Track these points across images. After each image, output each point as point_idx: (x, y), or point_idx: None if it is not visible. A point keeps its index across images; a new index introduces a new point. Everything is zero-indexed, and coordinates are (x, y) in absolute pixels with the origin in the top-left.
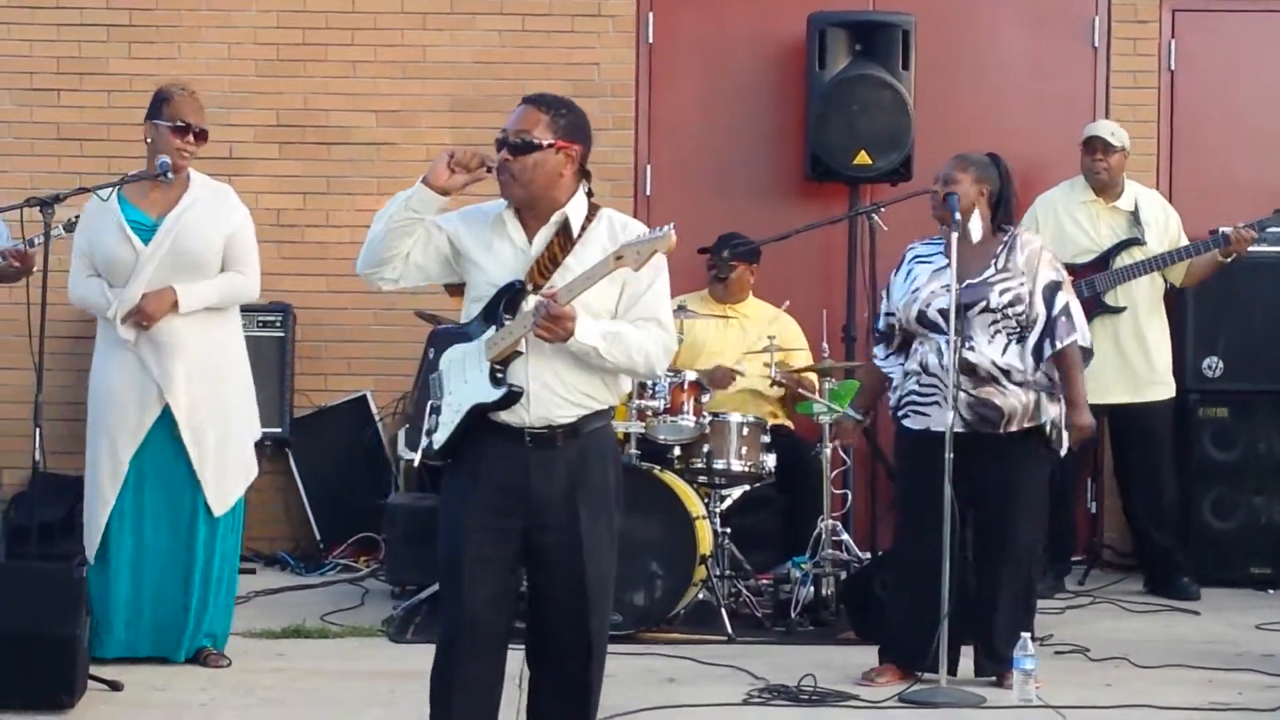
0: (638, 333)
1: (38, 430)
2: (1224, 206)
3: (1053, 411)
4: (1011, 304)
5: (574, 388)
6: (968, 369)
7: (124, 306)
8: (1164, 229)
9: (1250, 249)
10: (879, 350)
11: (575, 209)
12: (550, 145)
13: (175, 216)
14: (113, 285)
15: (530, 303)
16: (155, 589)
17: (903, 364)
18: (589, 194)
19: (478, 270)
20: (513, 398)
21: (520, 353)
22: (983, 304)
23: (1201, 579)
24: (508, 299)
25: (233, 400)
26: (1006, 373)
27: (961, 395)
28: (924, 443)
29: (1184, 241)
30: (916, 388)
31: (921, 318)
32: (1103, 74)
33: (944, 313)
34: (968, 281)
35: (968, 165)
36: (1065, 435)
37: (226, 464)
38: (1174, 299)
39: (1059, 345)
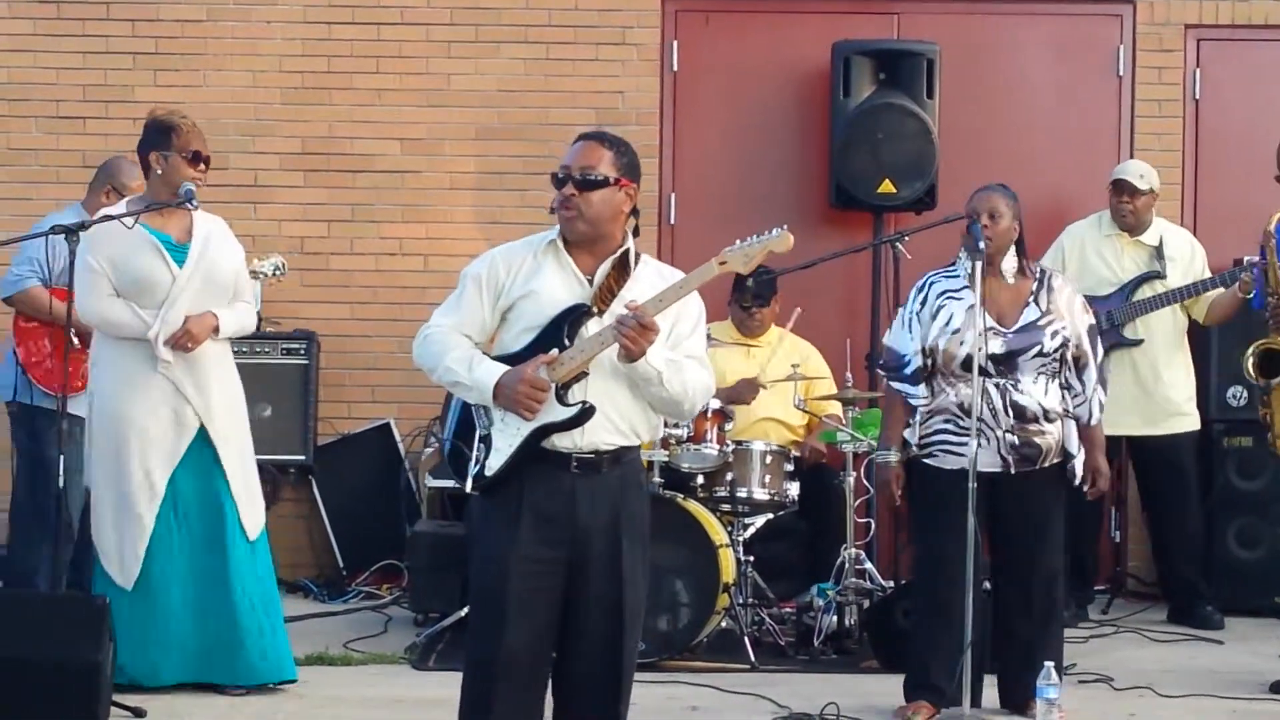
0: (693, 369)
1: (61, 457)
2: (1248, 235)
3: (1074, 444)
4: (1061, 346)
5: (625, 415)
6: (1017, 411)
7: (169, 328)
8: (1189, 264)
9: None
10: (921, 390)
11: (631, 246)
12: (616, 181)
13: (203, 241)
14: (143, 307)
15: (592, 327)
16: (198, 614)
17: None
18: (635, 232)
19: (532, 299)
20: (586, 415)
21: (586, 374)
22: (1037, 349)
23: (1225, 608)
24: (570, 322)
25: (247, 425)
26: (1046, 412)
27: (1007, 436)
28: (958, 481)
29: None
30: (953, 427)
31: (969, 362)
32: (1127, 103)
33: (994, 357)
34: (1018, 325)
35: (1010, 199)
36: (1080, 470)
37: (252, 487)
38: (1197, 329)
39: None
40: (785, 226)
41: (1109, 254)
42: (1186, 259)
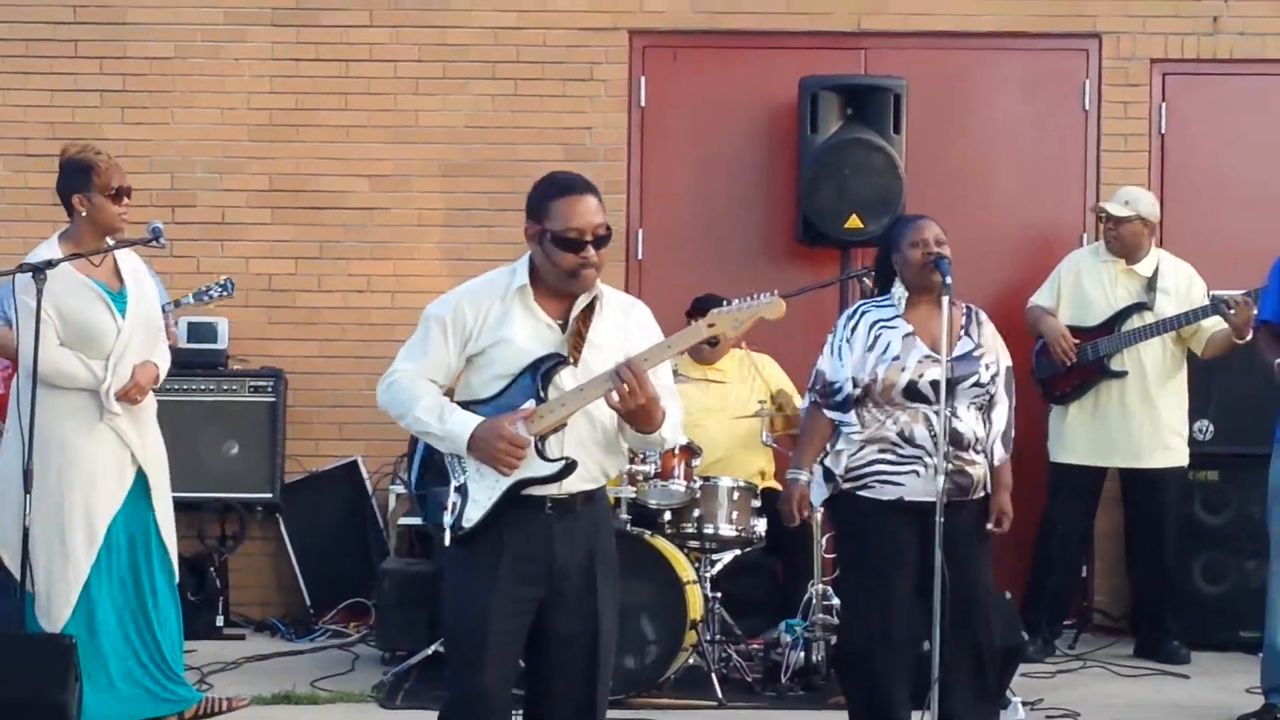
0: (672, 408)
1: (28, 497)
2: (1214, 269)
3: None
4: (992, 380)
5: (598, 462)
6: (954, 438)
7: (119, 381)
8: (1185, 297)
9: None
10: (852, 417)
11: (599, 290)
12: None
13: (136, 285)
14: (89, 356)
15: (565, 375)
16: (133, 653)
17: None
18: None
19: (503, 347)
20: (568, 471)
21: (564, 425)
22: (974, 378)
23: (1192, 643)
24: (544, 373)
25: (167, 467)
26: (978, 440)
27: (946, 465)
28: (893, 512)
29: None
30: (890, 456)
31: (911, 389)
32: (1094, 137)
33: (935, 385)
34: (955, 354)
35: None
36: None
37: (172, 528)
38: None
39: (1012, 433)
40: (776, 292)
41: (1105, 280)
42: (1183, 291)
